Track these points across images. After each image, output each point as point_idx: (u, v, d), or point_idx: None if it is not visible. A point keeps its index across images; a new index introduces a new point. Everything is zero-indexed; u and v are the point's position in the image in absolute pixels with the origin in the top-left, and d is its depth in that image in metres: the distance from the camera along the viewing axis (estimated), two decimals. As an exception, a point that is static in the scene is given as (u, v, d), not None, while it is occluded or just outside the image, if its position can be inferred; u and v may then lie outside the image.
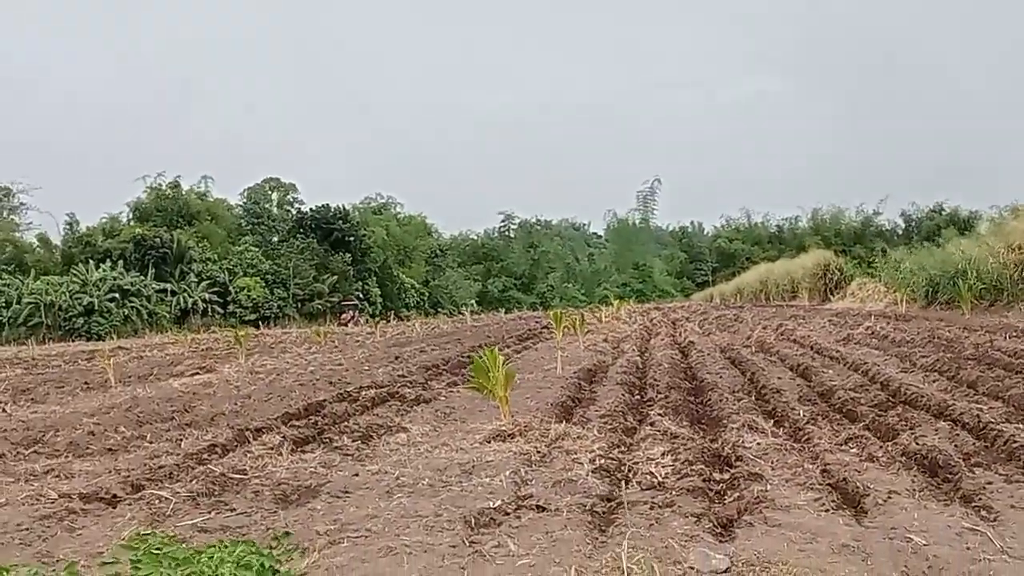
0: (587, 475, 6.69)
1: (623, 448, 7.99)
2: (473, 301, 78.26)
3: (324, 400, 11.95)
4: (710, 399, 10.87)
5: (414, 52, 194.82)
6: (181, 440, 9.27)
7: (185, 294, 59.76)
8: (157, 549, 3.32)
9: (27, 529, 5.78)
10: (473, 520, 5.62)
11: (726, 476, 6.77)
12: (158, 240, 59.53)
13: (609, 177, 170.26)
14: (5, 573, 3.37)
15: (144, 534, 3.40)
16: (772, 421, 9.16)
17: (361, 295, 69.65)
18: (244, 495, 6.68)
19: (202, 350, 28.00)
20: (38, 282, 52.75)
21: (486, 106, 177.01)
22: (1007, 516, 5.37)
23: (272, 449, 8.38)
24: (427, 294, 79.00)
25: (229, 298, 62.24)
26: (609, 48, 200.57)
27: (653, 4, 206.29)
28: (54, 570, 3.25)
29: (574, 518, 5.57)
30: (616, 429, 8.84)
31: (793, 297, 52.15)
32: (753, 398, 11.02)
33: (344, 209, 74.57)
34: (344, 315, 62.10)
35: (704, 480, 6.54)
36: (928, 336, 17.98)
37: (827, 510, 5.67)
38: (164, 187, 71.60)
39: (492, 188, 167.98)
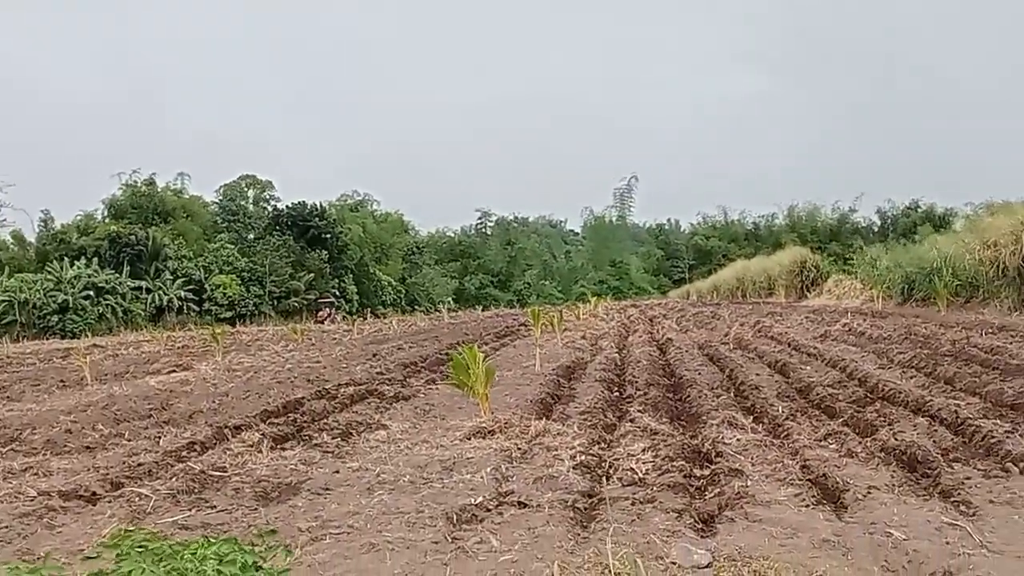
0: (568, 471, 6.70)
1: (603, 444, 8.02)
2: (450, 298, 78.02)
3: (303, 398, 11.92)
4: (689, 395, 10.91)
5: (390, 50, 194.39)
6: (160, 438, 9.23)
7: (160, 292, 59.29)
8: (140, 545, 3.30)
9: (7, 527, 5.73)
10: (455, 516, 5.62)
11: (706, 472, 6.80)
12: (133, 237, 59.06)
13: (586, 174, 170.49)
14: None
15: (127, 530, 3.38)
16: (751, 417, 9.20)
17: (338, 292, 69.32)
18: (224, 492, 6.66)
19: (178, 348, 27.82)
20: (12, 280, 52.22)
21: (463, 103, 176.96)
22: (986, 511, 5.42)
23: (252, 447, 8.35)
24: (404, 291, 78.74)
25: (205, 296, 61.80)
26: (586, 46, 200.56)
27: (630, 2, 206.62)
28: (35, 567, 3.22)
29: (556, 514, 5.57)
30: (596, 426, 8.86)
31: (770, 294, 52.28)
32: (732, 394, 11.07)
33: (320, 206, 74.17)
34: (321, 312, 61.81)
35: (685, 476, 6.56)
36: (905, 333, 18.10)
37: (807, 505, 5.70)
38: (139, 184, 70.96)
39: (469, 185, 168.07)
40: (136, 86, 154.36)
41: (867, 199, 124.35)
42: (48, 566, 3.17)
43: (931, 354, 13.63)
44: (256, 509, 6.15)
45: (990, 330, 17.75)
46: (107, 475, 7.23)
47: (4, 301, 50.80)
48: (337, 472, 7.27)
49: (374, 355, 19.50)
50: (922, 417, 8.47)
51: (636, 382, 12.07)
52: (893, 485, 6.10)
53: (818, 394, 10.39)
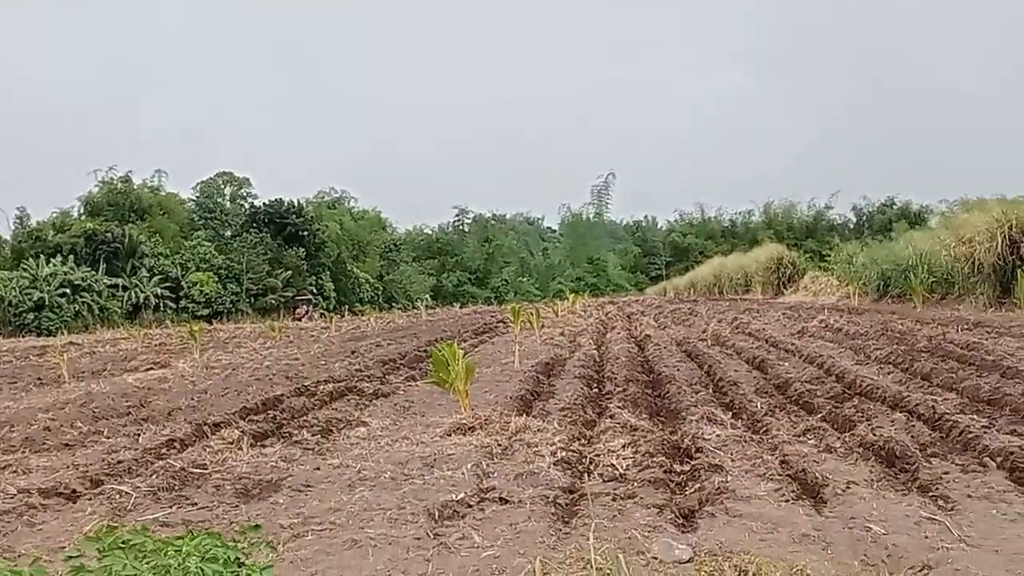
0: (549, 467, 6.71)
1: (583, 441, 8.04)
2: (428, 296, 77.97)
3: (282, 395, 11.91)
4: (668, 392, 10.95)
5: (367, 48, 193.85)
6: (139, 435, 9.20)
7: (137, 289, 58.96)
8: (123, 542, 3.29)
9: (-14, 524, 5.71)
10: (436, 512, 5.63)
11: (687, 468, 6.83)
12: (109, 235, 58.70)
13: (563, 172, 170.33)
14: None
15: (110, 526, 3.36)
16: (730, 413, 9.24)
17: (315, 290, 69.12)
18: (205, 489, 6.64)
19: (155, 345, 27.69)
20: (-13, 277, 51.90)
21: (440, 101, 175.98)
22: (964, 505, 5.47)
23: (231, 444, 8.33)
24: (381, 289, 78.54)
25: (181, 293, 61.50)
26: (564, 42, 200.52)
27: (602, 3, 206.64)
28: (16, 565, 3.21)
29: (537, 510, 5.59)
30: (576, 422, 8.89)
31: (746, 291, 52.46)
32: (711, 390, 11.11)
33: (298, 204, 73.89)
34: (299, 310, 61.61)
35: (665, 472, 6.59)
36: (881, 329, 18.22)
37: (787, 500, 5.74)
38: (116, 181, 70.61)
39: (446, 183, 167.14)
40: (112, 84, 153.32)
41: (843, 196, 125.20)
42: (34, 569, 3.16)
43: (908, 350, 13.73)
44: (237, 506, 6.14)
45: (966, 326, 17.90)
46: (87, 472, 7.20)
47: (-21, 298, 50.44)
48: (318, 469, 7.26)
49: (352, 352, 19.48)
50: (900, 413, 8.53)
51: (615, 378, 12.10)
52: (872, 480, 6.15)
53: (796, 390, 10.44)
